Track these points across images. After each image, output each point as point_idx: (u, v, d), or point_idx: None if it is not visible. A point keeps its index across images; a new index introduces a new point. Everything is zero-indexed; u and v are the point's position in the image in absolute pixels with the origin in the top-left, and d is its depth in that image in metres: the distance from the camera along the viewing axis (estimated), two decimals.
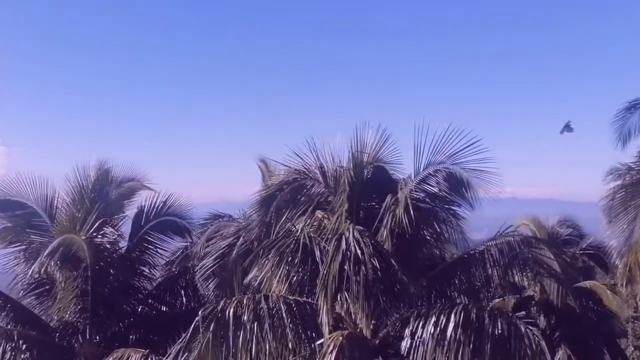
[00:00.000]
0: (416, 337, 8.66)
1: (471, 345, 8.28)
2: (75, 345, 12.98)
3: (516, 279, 12.95)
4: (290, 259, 9.52)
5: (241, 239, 11.69)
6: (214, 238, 13.29)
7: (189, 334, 8.90)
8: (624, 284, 15.09)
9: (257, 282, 10.23)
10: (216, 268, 12.09)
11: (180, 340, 8.98)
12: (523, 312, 10.27)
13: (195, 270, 12.74)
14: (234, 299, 9.26)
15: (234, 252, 11.44)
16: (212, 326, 8.78)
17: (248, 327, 8.87)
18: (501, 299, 16.96)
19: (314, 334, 9.10)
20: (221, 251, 12.24)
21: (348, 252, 8.52)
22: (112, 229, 13.27)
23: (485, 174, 9.54)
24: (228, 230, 13.05)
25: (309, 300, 9.21)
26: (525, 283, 18.21)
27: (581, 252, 20.65)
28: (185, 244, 15.18)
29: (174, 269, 14.69)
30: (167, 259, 15.07)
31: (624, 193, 9.01)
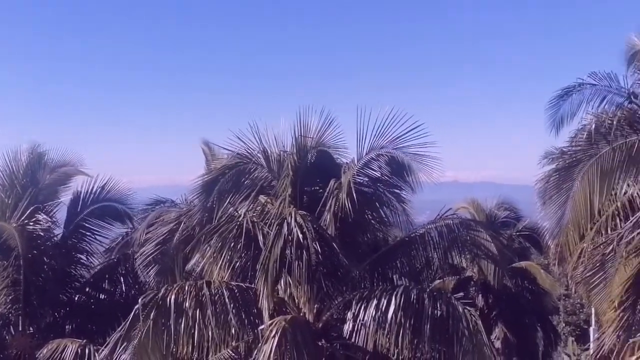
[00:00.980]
0: (358, 320, 8.78)
1: (411, 327, 8.46)
2: (7, 337, 12.50)
3: (456, 260, 13.32)
4: (232, 244, 9.45)
5: (183, 224, 11.47)
6: (155, 224, 12.99)
7: (128, 323, 8.71)
8: (556, 264, 15.82)
9: (199, 268, 10.11)
10: (157, 254, 11.83)
11: (119, 329, 8.78)
12: (462, 293, 10.55)
13: (136, 257, 12.44)
14: (175, 285, 9.11)
15: (175, 238, 11.22)
16: (152, 314, 8.62)
17: (190, 314, 8.77)
18: (441, 280, 17.43)
19: (257, 320, 9.08)
20: (162, 237, 11.98)
21: (290, 237, 8.53)
22: (45, 216, 12.80)
23: (426, 158, 9.68)
24: (169, 215, 12.78)
25: (252, 285, 9.16)
26: (465, 264, 18.79)
27: (517, 233, 21.40)
28: (126, 230, 14.80)
29: (113, 256, 14.31)
30: (107, 246, 14.67)
31: (557, 176, 9.34)
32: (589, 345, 26.65)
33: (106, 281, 13.94)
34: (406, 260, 10.26)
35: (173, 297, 8.79)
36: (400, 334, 8.41)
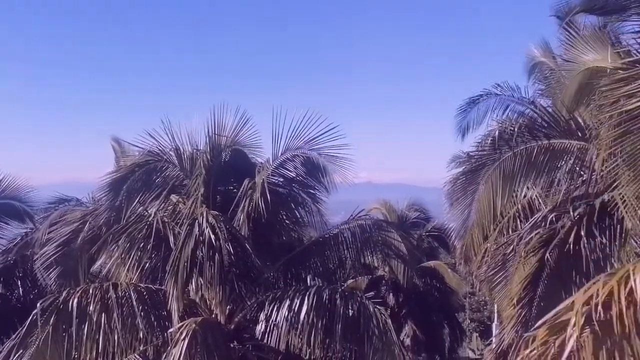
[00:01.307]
0: (271, 321, 8.75)
1: (323, 327, 8.53)
2: None
3: (368, 260, 13.59)
4: (142, 244, 9.16)
5: (88, 224, 10.94)
6: (58, 223, 12.29)
7: (24, 329, 8.22)
8: (462, 263, 16.52)
9: (106, 270, 9.69)
10: (59, 256, 11.20)
11: (14, 336, 8.24)
12: (372, 293, 10.75)
13: (36, 258, 11.72)
14: (78, 288, 8.70)
15: (80, 238, 10.68)
16: (52, 319, 8.17)
17: (94, 318, 8.40)
18: (354, 279, 17.71)
19: (167, 322, 8.84)
20: (65, 237, 11.36)
21: (202, 237, 8.36)
22: None
23: (340, 160, 9.79)
24: (74, 214, 12.14)
25: (162, 287, 8.88)
26: (377, 264, 19.20)
27: (427, 234, 22.17)
28: (26, 230, 13.92)
29: (10, 258, 13.41)
30: (4, 247, 13.74)
31: (463, 179, 9.71)
32: (492, 341, 28.08)
33: (1, 284, 13.07)
34: (320, 260, 10.33)
35: (76, 300, 8.38)
36: (313, 334, 8.47)
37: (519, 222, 10.09)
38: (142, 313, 8.72)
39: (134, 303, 8.65)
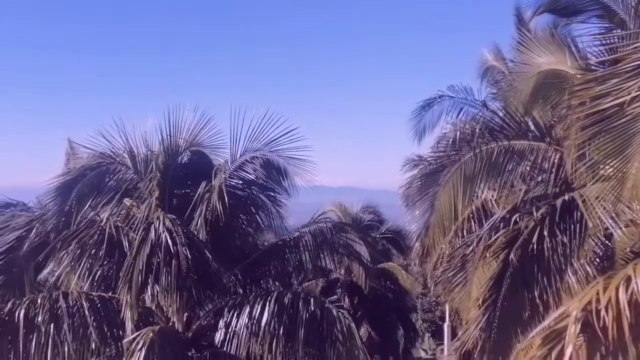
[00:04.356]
0: (231, 328, 8.51)
1: (285, 333, 8.35)
2: None
3: (326, 263, 13.48)
4: (93, 251, 8.78)
5: (35, 230, 10.35)
6: (2, 230, 11.61)
7: None
8: (419, 264, 16.64)
9: (54, 278, 9.22)
10: (3, 264, 10.56)
11: None
12: (335, 297, 10.65)
13: None
14: (25, 299, 8.24)
15: (26, 245, 10.10)
16: None
17: (43, 330, 8.01)
18: (310, 282, 17.59)
19: (120, 332, 8.48)
20: (9, 245, 10.69)
21: (158, 242, 8.04)
22: None
23: (301, 162, 9.66)
24: (19, 220, 11.47)
25: (116, 295, 8.50)
26: (332, 266, 19.14)
27: (381, 236, 22.29)
28: None
29: None
30: None
31: (424, 181, 9.72)
32: (444, 342, 28.46)
33: None
34: (279, 264, 10.15)
35: (22, 311, 7.95)
36: (275, 341, 8.29)
37: (473, 223, 10.21)
38: (94, 323, 8.38)
39: (86, 313, 8.30)
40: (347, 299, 20.10)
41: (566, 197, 7.11)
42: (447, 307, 27.52)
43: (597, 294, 3.84)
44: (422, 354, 29.42)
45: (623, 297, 3.79)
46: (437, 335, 30.57)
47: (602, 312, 3.70)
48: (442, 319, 29.09)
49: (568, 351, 3.84)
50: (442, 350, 29.00)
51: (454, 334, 27.24)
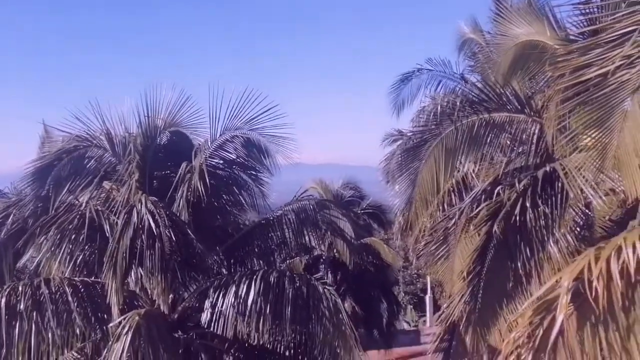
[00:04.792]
0: (217, 309, 8.48)
1: (272, 311, 8.35)
2: None
3: (309, 240, 13.51)
4: (74, 236, 8.61)
5: (12, 216, 10.17)
6: None
7: None
8: (400, 238, 16.77)
9: (34, 265, 9.07)
10: None
11: None
12: (320, 273, 10.68)
13: None
14: (6, 286, 8.10)
15: (3, 232, 9.92)
16: None
17: (26, 317, 7.86)
18: (293, 259, 17.63)
19: (105, 316, 8.40)
20: None
21: (141, 225, 7.94)
22: None
23: (281, 140, 9.57)
24: None
25: (99, 280, 8.41)
26: (314, 243, 19.20)
27: (362, 211, 22.41)
28: None
29: None
30: None
31: (405, 155, 9.75)
32: (426, 313, 28.92)
33: None
34: (263, 243, 10.11)
35: (4, 300, 7.82)
36: (261, 320, 8.27)
37: (453, 196, 10.28)
38: (78, 308, 8.29)
39: (69, 298, 8.20)
40: (330, 275, 20.23)
41: (547, 168, 7.18)
42: (428, 279, 28.01)
43: (589, 264, 3.90)
44: (405, 326, 29.90)
45: (614, 267, 3.85)
46: (419, 307, 31.06)
47: (594, 282, 3.76)
48: (424, 290, 29.54)
49: (559, 320, 3.90)
50: (425, 321, 29.50)
51: (435, 306, 27.74)
